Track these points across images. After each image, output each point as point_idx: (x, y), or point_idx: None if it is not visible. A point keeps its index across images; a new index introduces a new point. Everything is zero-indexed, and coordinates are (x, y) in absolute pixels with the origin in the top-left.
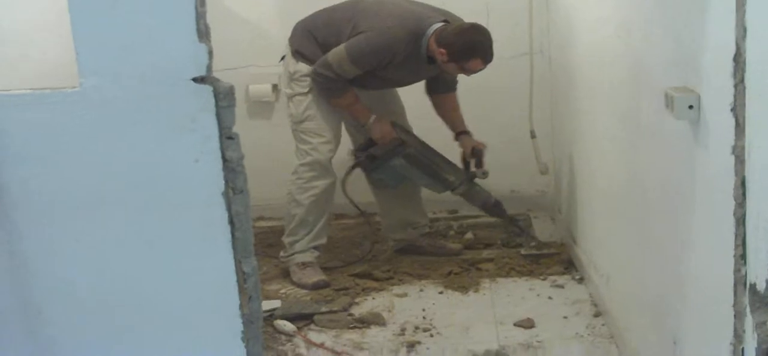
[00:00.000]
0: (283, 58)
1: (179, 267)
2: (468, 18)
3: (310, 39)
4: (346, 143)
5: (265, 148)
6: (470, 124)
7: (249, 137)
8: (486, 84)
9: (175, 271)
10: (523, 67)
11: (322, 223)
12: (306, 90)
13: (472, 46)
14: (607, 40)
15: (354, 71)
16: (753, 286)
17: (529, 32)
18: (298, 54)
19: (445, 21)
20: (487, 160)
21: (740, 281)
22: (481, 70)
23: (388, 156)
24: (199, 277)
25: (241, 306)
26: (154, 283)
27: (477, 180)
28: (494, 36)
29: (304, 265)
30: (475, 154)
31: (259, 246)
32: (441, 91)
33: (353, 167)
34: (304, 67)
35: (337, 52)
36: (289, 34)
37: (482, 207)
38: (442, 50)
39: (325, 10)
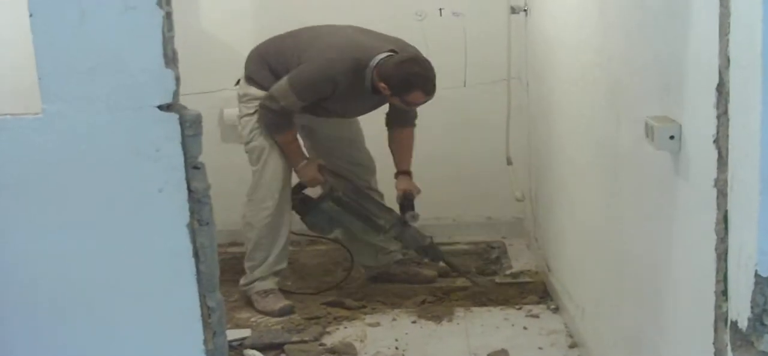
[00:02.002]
0: (238, 81)
1: (141, 300)
2: (445, 43)
3: (262, 65)
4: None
5: (238, 171)
6: (446, 149)
7: (222, 161)
8: (463, 110)
9: (137, 305)
10: (500, 93)
11: (281, 248)
12: (251, 112)
13: (409, 79)
14: (586, 66)
15: (297, 102)
16: (734, 324)
17: (506, 58)
18: (249, 79)
19: (391, 51)
20: (464, 188)
21: (721, 318)
22: (423, 102)
23: (318, 199)
24: (161, 311)
25: (205, 342)
26: (114, 316)
27: (413, 224)
28: (471, 61)
29: (266, 293)
30: (405, 195)
31: (231, 272)
32: (398, 124)
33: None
34: (253, 91)
35: (281, 85)
36: None
37: (416, 251)
38: (383, 84)
39: (278, 37)
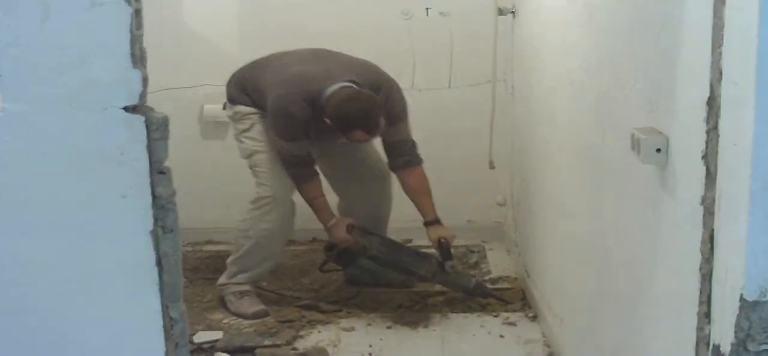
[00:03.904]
0: (224, 106)
1: (101, 309)
2: (431, 43)
3: (241, 89)
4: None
5: (217, 168)
6: (428, 150)
7: (202, 157)
8: (446, 111)
9: (97, 314)
10: (485, 95)
11: (270, 265)
12: (248, 126)
13: (349, 118)
14: (573, 72)
15: (293, 145)
16: (717, 348)
17: (492, 60)
18: (232, 100)
19: (349, 81)
20: (445, 190)
21: (703, 341)
22: (367, 140)
23: (354, 257)
24: (122, 322)
25: (167, 354)
26: (73, 326)
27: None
28: (457, 62)
29: (242, 294)
30: (441, 246)
31: (206, 271)
32: (400, 166)
33: (325, 262)
34: (241, 108)
35: (272, 140)
36: (247, 52)
37: (464, 293)
38: (328, 120)
39: (253, 63)
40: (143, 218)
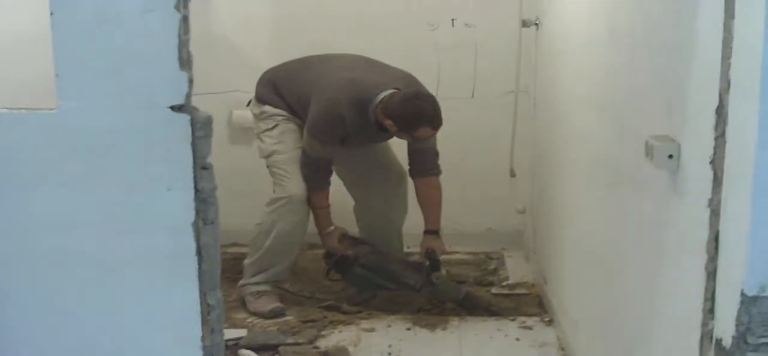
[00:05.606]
0: (249, 103)
1: (143, 295)
2: (456, 54)
3: (272, 90)
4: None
5: (244, 173)
6: (450, 159)
7: (230, 162)
8: (469, 121)
9: (139, 299)
10: (507, 105)
11: (287, 265)
12: (272, 126)
13: (417, 115)
14: (593, 83)
15: (325, 149)
16: (719, 342)
17: (515, 71)
18: (260, 99)
19: (395, 89)
20: (466, 198)
21: (707, 335)
22: (432, 136)
23: (349, 265)
24: (162, 306)
25: (203, 338)
26: (116, 309)
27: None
28: (480, 72)
29: (259, 294)
30: (428, 256)
31: (231, 272)
32: (421, 174)
33: (329, 269)
34: (268, 109)
35: (305, 139)
36: (276, 61)
37: (455, 304)
38: (389, 122)
39: (290, 62)
40: (186, 210)
